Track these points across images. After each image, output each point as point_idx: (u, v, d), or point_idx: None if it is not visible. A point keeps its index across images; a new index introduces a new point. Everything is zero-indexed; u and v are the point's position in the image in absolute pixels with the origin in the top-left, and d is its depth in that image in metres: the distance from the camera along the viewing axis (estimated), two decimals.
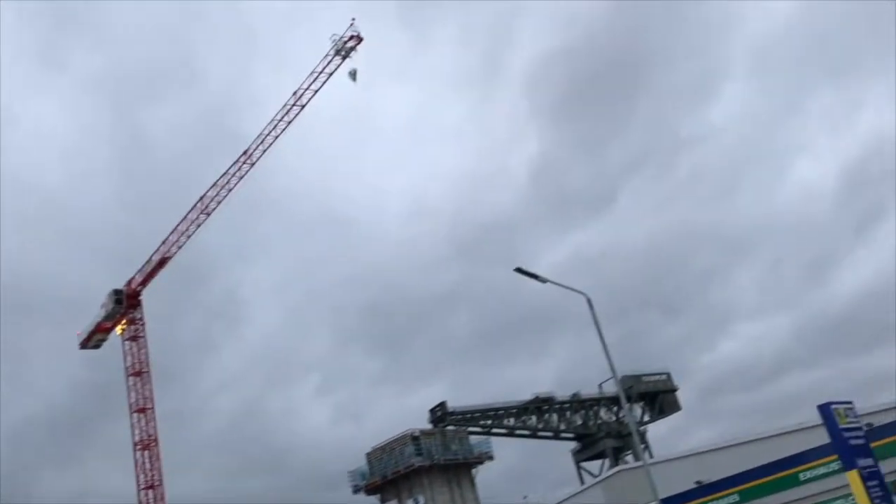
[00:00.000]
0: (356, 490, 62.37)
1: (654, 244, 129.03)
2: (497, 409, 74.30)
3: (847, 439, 23.41)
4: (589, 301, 28.54)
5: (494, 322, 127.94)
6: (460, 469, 60.26)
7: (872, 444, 26.16)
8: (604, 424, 77.69)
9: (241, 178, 62.63)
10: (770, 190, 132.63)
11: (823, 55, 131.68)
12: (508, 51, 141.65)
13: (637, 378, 77.79)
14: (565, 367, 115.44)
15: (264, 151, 62.05)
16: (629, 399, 75.34)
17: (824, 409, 23.79)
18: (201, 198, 63.36)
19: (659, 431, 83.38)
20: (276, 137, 61.59)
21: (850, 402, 24.67)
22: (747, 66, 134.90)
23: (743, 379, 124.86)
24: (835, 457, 26.37)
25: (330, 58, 59.12)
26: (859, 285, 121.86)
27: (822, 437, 26.43)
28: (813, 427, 31.22)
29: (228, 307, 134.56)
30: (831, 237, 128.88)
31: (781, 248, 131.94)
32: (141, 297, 66.28)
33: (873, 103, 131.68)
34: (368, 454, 61.74)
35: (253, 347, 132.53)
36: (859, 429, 24.64)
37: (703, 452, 44.83)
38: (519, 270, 28.08)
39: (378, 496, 61.51)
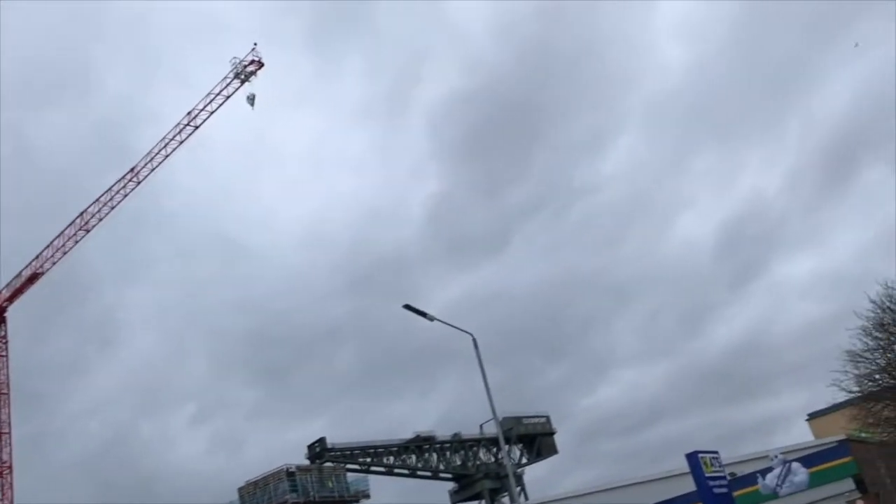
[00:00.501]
0: None
1: (544, 288, 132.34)
2: (377, 447, 73.35)
3: (711, 487, 24.34)
4: (474, 341, 28.77)
5: (383, 358, 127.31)
6: None
7: (735, 493, 27.29)
8: (482, 465, 77.88)
9: (126, 195, 60.31)
10: (654, 242, 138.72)
11: (712, 116, 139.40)
12: (415, 88, 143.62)
13: (518, 420, 78.58)
14: (452, 406, 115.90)
15: (153, 170, 60.07)
16: (508, 441, 75.97)
17: (691, 458, 24.70)
18: (81, 213, 60.58)
19: (536, 474, 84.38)
20: (167, 157, 59.79)
21: (715, 452, 25.71)
22: (640, 121, 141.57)
23: (619, 424, 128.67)
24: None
25: (229, 80, 58.21)
26: (730, 339, 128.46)
27: (689, 485, 27.36)
28: (681, 475, 32.28)
29: (104, 327, 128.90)
30: (707, 291, 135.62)
31: (661, 299, 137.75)
32: (6, 314, 62.40)
33: (755, 166, 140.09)
34: (241, 489, 59.74)
35: (128, 371, 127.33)
36: (723, 477, 25.69)
37: (576, 496, 45.64)
38: (408, 307, 28.09)
39: None
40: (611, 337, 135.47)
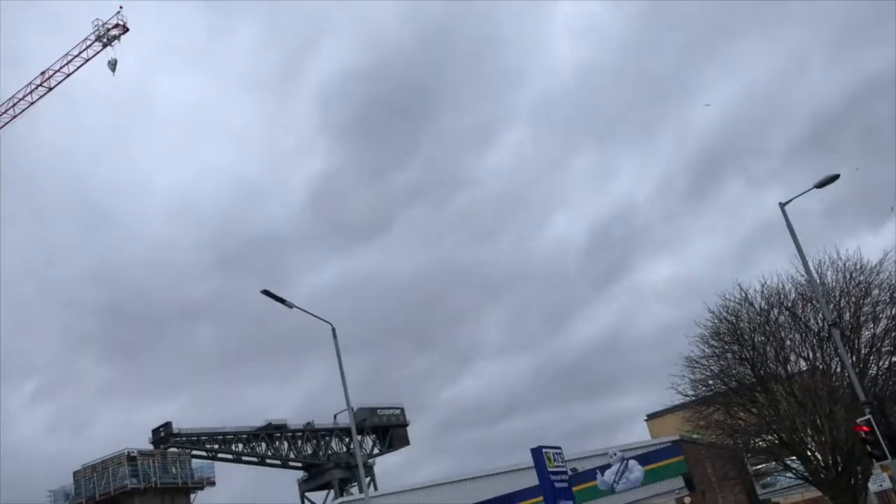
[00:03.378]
0: None
1: (420, 277, 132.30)
2: (226, 434, 71.56)
3: (553, 482, 25.29)
4: (333, 331, 28.54)
5: (245, 341, 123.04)
6: (178, 493, 57.23)
7: (575, 488, 28.46)
8: (334, 455, 77.56)
9: None
10: (529, 239, 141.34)
11: (594, 118, 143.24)
12: (311, 60, 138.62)
13: (372, 411, 78.79)
14: (313, 394, 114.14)
15: None
16: (362, 431, 76.00)
17: (536, 453, 25.57)
18: None
19: (391, 464, 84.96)
20: (14, 118, 55.88)
21: (558, 448, 26.71)
22: (527, 118, 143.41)
23: (478, 416, 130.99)
24: (541, 497, 28.27)
25: (90, 42, 55.01)
26: (590, 338, 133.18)
27: (535, 478, 28.30)
28: (527, 468, 33.35)
29: None
30: (573, 290, 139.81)
31: (530, 295, 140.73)
32: None
33: (629, 170, 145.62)
34: (76, 473, 56.74)
35: None
36: (565, 472, 26.74)
37: (426, 487, 46.26)
38: (266, 293, 27.47)
39: None
40: (479, 330, 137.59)
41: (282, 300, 27.79)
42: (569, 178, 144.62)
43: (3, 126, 55.99)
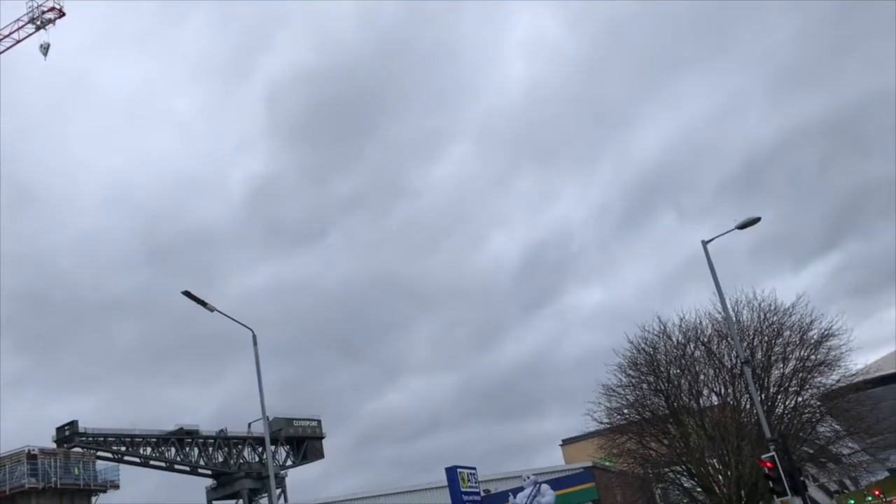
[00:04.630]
0: None
1: (353, 286, 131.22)
2: (134, 436, 69.43)
3: (465, 502, 25.36)
4: (254, 337, 28.00)
5: (167, 340, 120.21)
6: (79, 495, 55.28)
7: None
8: (245, 464, 76.01)
9: None
10: (465, 255, 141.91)
11: (539, 140, 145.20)
12: (262, 57, 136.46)
13: (289, 421, 77.61)
14: (231, 400, 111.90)
15: None
16: (276, 442, 74.79)
17: (450, 472, 25.64)
18: None
19: (305, 476, 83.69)
20: None
21: (473, 468, 26.85)
22: (473, 134, 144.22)
23: (399, 431, 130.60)
24: None
25: (22, 24, 53.23)
26: (516, 359, 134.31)
27: (448, 497, 28.30)
28: (441, 487, 33.29)
29: None
30: (504, 309, 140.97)
31: (461, 312, 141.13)
32: None
33: (568, 196, 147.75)
34: None
35: None
36: (478, 493, 26.85)
37: (336, 502, 45.74)
38: (187, 294, 26.80)
39: None
40: (407, 344, 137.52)
41: (203, 303, 27.15)
42: (509, 198, 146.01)
43: None
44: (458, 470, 25.57)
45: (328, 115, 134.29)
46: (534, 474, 40.33)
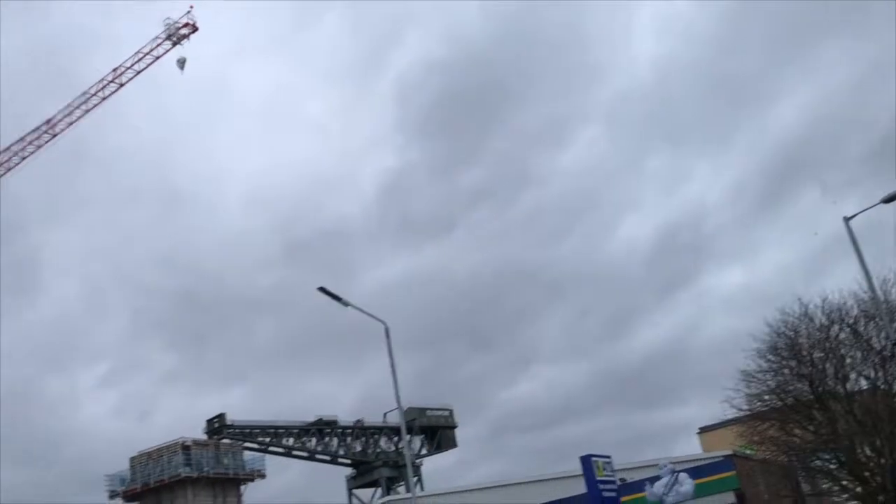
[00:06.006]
0: (112, 495, 58.59)
1: (482, 277, 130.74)
2: (277, 427, 72.66)
3: (601, 491, 25.18)
4: (387, 330, 28.78)
5: (305, 334, 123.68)
6: (229, 484, 58.43)
7: (623, 498, 28.26)
8: (382, 453, 78.09)
9: (40, 146, 58.01)
10: (596, 240, 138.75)
11: (671, 118, 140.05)
12: (391, 53, 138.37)
13: (422, 411, 79.04)
14: (368, 390, 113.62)
15: (71, 124, 57.90)
16: (410, 431, 76.42)
17: (585, 461, 25.49)
18: None
19: (439, 465, 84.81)
20: (87, 112, 57.77)
21: (608, 457, 26.60)
22: (602, 117, 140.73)
23: (532, 420, 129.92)
24: None
25: (160, 41, 56.58)
26: (651, 345, 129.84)
27: (583, 487, 28.18)
28: (576, 476, 33.16)
29: (23, 272, 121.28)
30: (638, 294, 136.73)
31: (593, 298, 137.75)
32: None
33: (702, 174, 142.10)
34: (133, 458, 58.33)
35: (42, 321, 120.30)
36: (613, 482, 26.60)
37: (472, 490, 46.29)
38: (322, 290, 27.86)
39: None
40: (539, 332, 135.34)
41: (337, 298, 28.13)
42: (641, 180, 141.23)
43: (74, 122, 57.87)
44: (593, 458, 25.39)
45: (454, 107, 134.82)
46: (671, 462, 39.49)
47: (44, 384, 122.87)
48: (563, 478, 41.49)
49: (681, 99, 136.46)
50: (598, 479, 25.30)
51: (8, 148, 57.93)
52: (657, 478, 37.95)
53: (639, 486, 35.77)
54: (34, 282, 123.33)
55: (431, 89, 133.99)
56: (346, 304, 28.12)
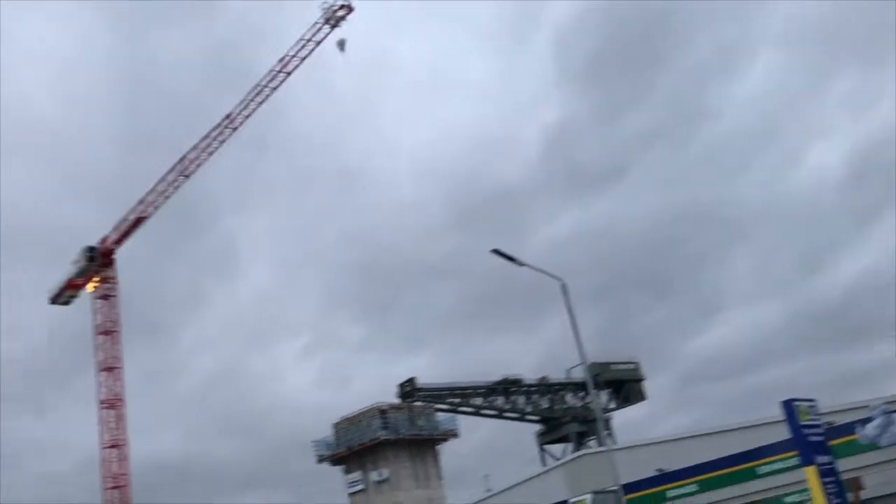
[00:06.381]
0: (320, 460, 62.63)
1: (657, 223, 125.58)
2: (465, 388, 74.68)
3: (806, 436, 23.92)
4: (563, 287, 28.63)
5: (483, 297, 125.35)
6: (425, 445, 60.65)
7: (830, 443, 26.73)
8: (569, 409, 78.35)
9: (223, 141, 62.07)
10: (780, 173, 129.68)
11: (854, 34, 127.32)
12: (546, 5, 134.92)
13: (606, 366, 78.37)
14: (549, 348, 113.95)
15: (247, 117, 61.45)
16: (596, 386, 76.01)
17: (787, 406, 24.28)
18: (181, 159, 62.67)
19: (628, 418, 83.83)
20: (261, 104, 61.01)
21: (812, 400, 25.19)
22: (776, 40, 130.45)
23: (724, 368, 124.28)
24: (794, 452, 26.85)
25: (319, 26, 58.53)
26: (852, 278, 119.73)
27: (784, 433, 26.92)
28: (776, 422, 31.75)
29: (222, 259, 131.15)
30: (832, 226, 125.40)
31: (781, 235, 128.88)
32: (114, 256, 65.67)
33: (893, 93, 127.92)
34: (335, 424, 61.93)
35: (243, 304, 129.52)
36: (819, 426, 25.18)
37: (667, 441, 45.41)
38: (496, 252, 28.10)
39: (343, 467, 61.78)
40: (724, 275, 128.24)
41: (511, 258, 28.29)
42: (826, 104, 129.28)
43: (250, 114, 61.35)
44: (796, 403, 24.12)
45: (616, 49, 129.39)
46: (885, 403, 36.84)
47: (251, 362, 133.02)
48: (764, 424, 39.80)
49: (867, 9, 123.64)
50: (802, 423, 24.00)
51: (196, 146, 62.39)
52: (869, 419, 35.54)
53: (848, 428, 33.66)
54: (234, 269, 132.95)
55: (590, 34, 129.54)
56: (520, 263, 28.23)
